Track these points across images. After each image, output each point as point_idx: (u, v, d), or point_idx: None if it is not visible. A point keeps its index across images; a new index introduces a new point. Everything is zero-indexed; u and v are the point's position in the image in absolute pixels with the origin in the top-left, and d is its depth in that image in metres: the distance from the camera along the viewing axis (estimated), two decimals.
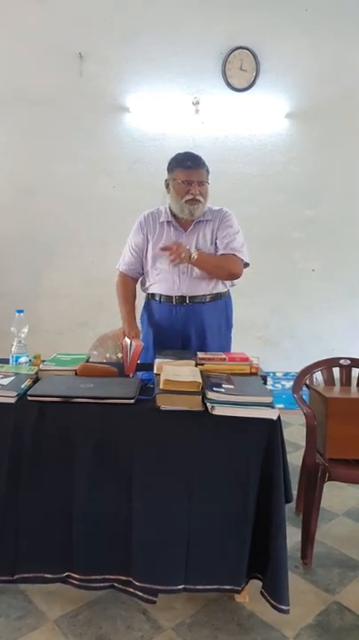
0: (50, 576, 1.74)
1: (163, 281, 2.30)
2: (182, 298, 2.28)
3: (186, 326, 2.30)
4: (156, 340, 2.33)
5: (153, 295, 2.37)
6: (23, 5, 3.67)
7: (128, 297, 2.41)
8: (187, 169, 2.23)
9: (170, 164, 2.32)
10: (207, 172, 2.28)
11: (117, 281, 2.46)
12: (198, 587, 1.73)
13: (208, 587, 1.74)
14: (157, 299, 2.34)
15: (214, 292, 2.33)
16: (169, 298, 2.30)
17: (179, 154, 2.33)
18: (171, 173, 2.29)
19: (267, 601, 1.69)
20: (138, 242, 2.38)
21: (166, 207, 2.37)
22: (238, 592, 1.77)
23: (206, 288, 2.30)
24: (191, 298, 2.29)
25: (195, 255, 2.17)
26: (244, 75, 3.76)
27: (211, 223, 2.34)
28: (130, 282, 2.44)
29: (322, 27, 3.73)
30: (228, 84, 3.78)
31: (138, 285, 2.47)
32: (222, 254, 2.28)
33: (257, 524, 1.70)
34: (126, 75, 3.78)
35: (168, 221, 2.33)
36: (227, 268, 2.27)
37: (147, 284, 2.39)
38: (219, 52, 3.75)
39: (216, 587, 1.75)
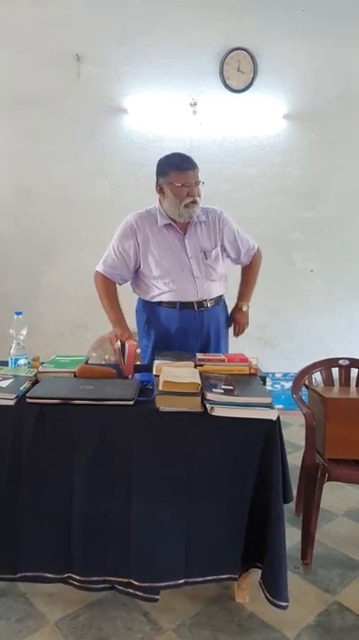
0: (51, 576, 1.75)
1: (179, 290, 2.26)
2: (201, 303, 2.29)
3: (207, 329, 2.33)
4: (172, 346, 2.28)
5: (160, 303, 2.29)
6: (21, 7, 3.68)
7: (114, 300, 2.33)
8: (185, 171, 2.16)
9: (162, 167, 2.21)
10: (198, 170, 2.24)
11: (97, 282, 2.34)
12: (198, 579, 1.75)
13: (207, 578, 1.76)
14: (175, 306, 2.27)
15: (221, 293, 2.39)
16: (188, 304, 2.28)
17: (169, 156, 2.23)
18: (166, 177, 2.18)
19: (266, 597, 1.69)
20: (126, 246, 2.27)
21: (157, 209, 2.29)
22: (235, 580, 1.78)
23: (217, 290, 2.35)
24: (209, 301, 2.32)
25: (248, 305, 2.51)
26: (242, 76, 3.76)
27: (206, 224, 2.32)
28: (112, 284, 2.35)
29: (319, 28, 3.73)
30: (226, 86, 3.78)
31: (129, 290, 2.43)
32: (245, 265, 2.51)
33: (255, 524, 1.70)
34: (124, 76, 3.78)
35: (167, 224, 2.27)
36: (258, 270, 2.55)
37: (156, 293, 2.29)
38: (217, 53, 3.76)
39: (214, 577, 1.76)
